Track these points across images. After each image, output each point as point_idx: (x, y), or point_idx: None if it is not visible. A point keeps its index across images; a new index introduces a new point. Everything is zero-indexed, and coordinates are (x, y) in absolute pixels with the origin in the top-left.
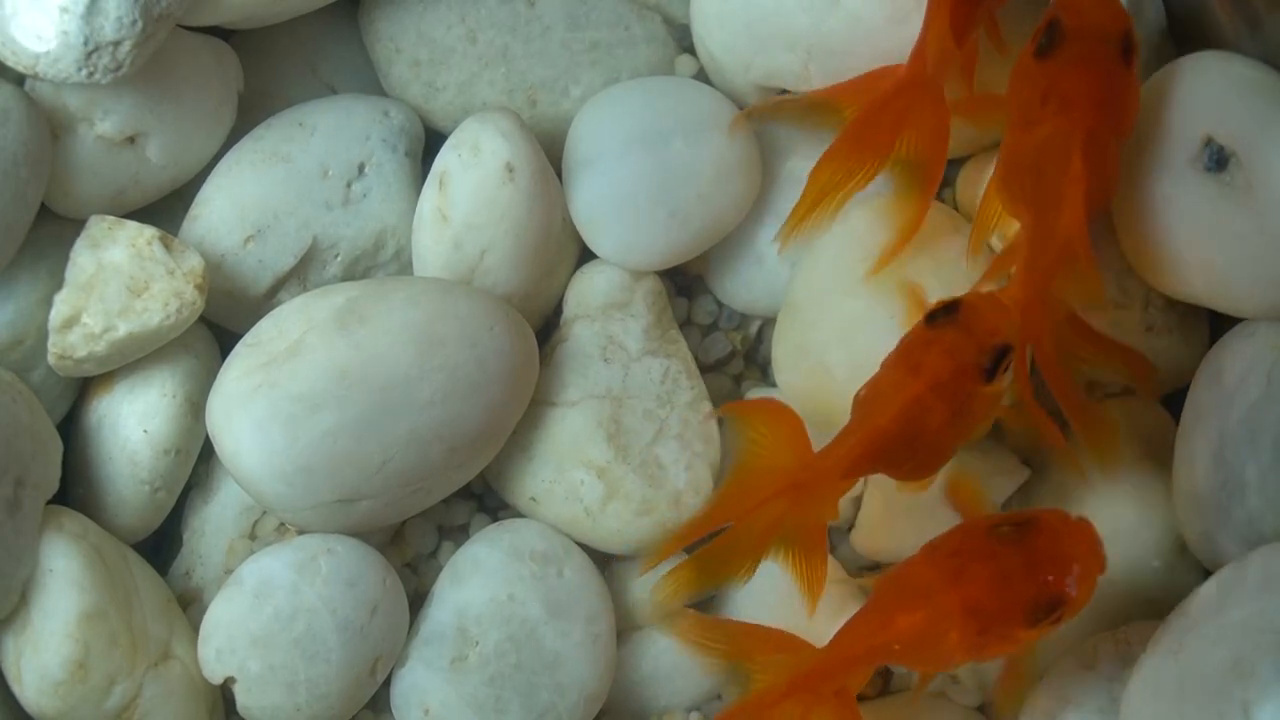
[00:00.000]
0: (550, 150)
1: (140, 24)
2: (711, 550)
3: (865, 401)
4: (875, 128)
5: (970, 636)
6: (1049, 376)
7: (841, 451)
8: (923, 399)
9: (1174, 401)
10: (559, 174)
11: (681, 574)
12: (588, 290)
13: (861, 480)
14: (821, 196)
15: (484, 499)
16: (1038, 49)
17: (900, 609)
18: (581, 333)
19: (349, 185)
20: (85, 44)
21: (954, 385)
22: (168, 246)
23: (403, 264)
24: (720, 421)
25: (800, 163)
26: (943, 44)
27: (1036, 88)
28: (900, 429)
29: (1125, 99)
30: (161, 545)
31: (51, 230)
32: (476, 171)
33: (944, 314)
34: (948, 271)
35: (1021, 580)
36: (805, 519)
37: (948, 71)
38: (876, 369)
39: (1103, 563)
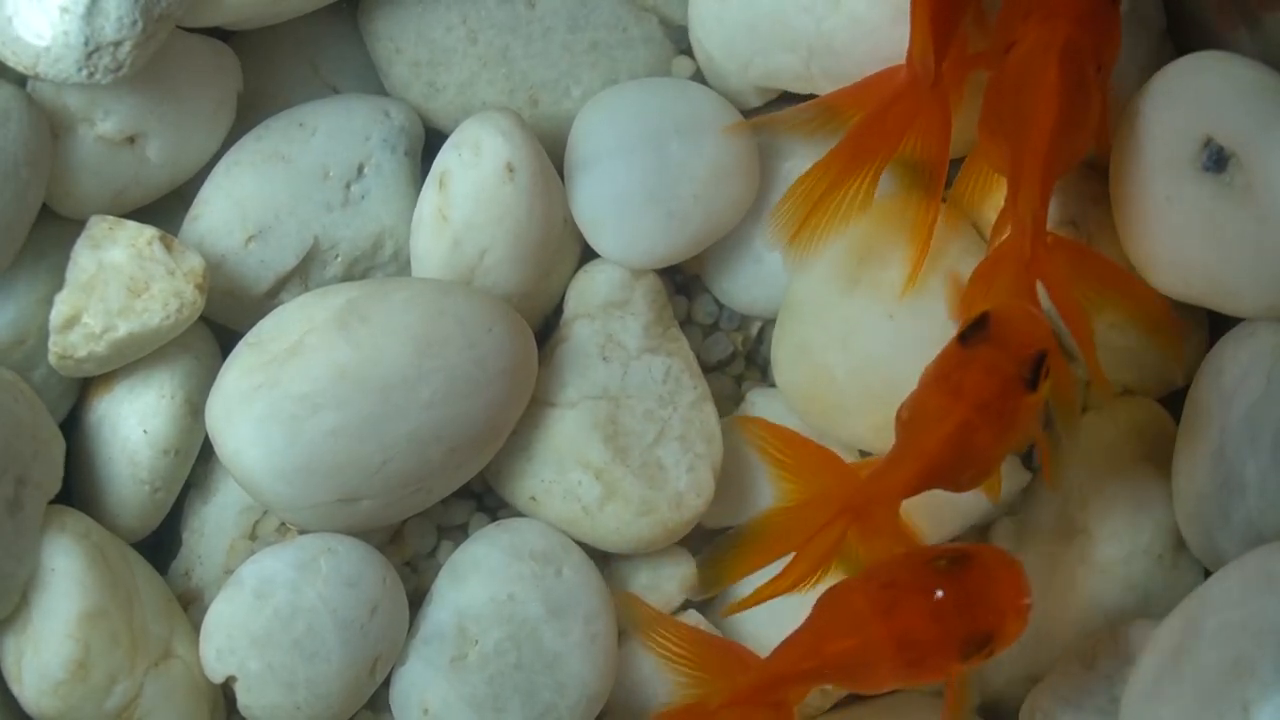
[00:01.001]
0: (552, 150)
1: (140, 24)
2: (776, 584)
3: (911, 424)
4: (878, 133)
5: (901, 667)
6: (1062, 310)
7: (896, 476)
8: (970, 422)
9: (1174, 401)
10: (560, 174)
11: (745, 601)
12: (588, 289)
13: None
14: (811, 200)
15: (483, 498)
16: None
17: (832, 636)
18: (581, 332)
19: (349, 186)
20: (86, 44)
21: (998, 403)
22: (168, 247)
23: (402, 264)
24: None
25: (799, 163)
26: (926, 47)
27: (1019, 7)
28: (950, 453)
29: (1107, 25)
30: (161, 545)
31: (52, 230)
32: (477, 171)
33: (976, 330)
34: (949, 264)
35: (954, 615)
36: (863, 542)
37: (940, 70)
38: (915, 385)
39: (1031, 605)
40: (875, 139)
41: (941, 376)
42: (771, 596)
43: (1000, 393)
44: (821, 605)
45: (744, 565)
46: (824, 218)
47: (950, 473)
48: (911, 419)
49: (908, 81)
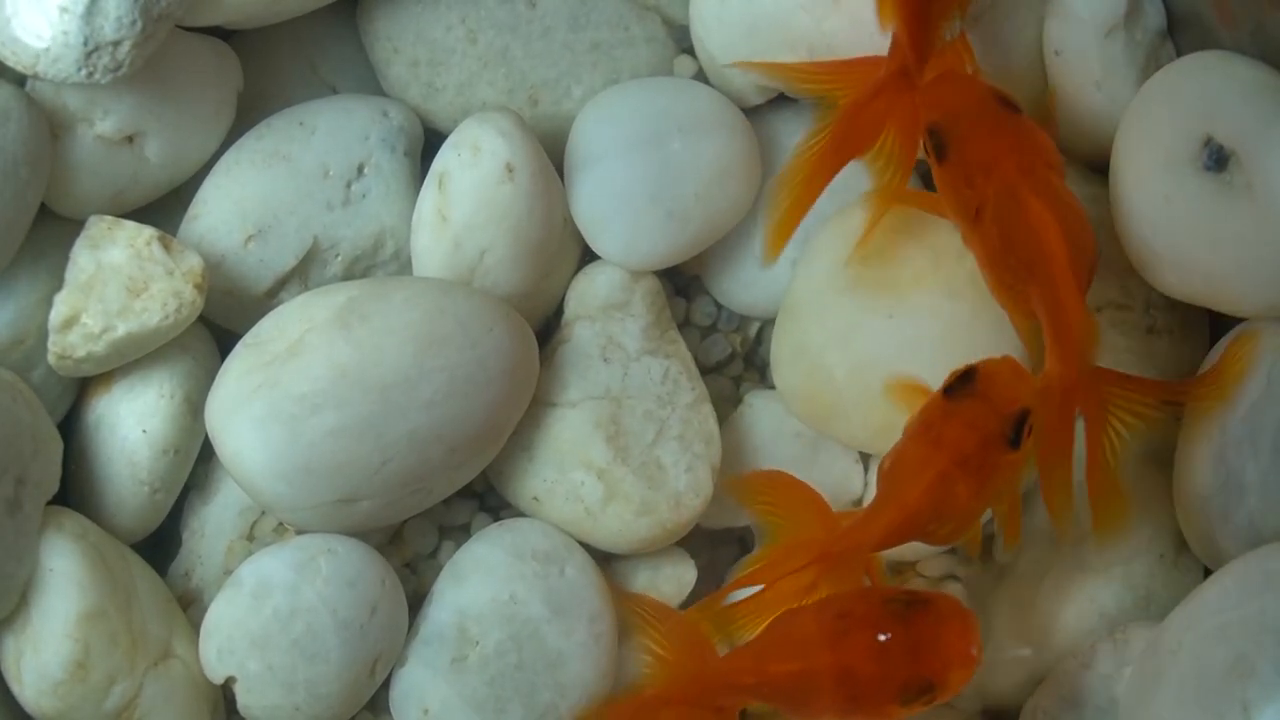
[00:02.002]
0: (552, 150)
1: (140, 24)
2: (739, 607)
3: (891, 475)
4: (856, 128)
5: (840, 701)
6: (1092, 448)
7: (874, 527)
8: (948, 475)
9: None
10: (561, 174)
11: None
12: (588, 290)
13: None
14: (792, 194)
15: (485, 498)
16: (935, 153)
17: (778, 657)
18: (582, 333)
19: (348, 185)
20: (85, 44)
21: (978, 458)
22: (166, 247)
23: (402, 264)
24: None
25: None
26: (904, 55)
27: (960, 174)
28: (929, 505)
29: (1031, 133)
30: (161, 545)
31: (51, 230)
32: (476, 171)
33: (961, 384)
34: (948, 262)
35: (900, 657)
36: (836, 586)
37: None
38: (900, 438)
39: (977, 659)
40: (854, 134)
41: (924, 428)
42: (730, 623)
43: (981, 448)
44: (773, 625)
45: (720, 598)
46: (801, 210)
47: (928, 525)
48: (892, 470)
49: (886, 78)
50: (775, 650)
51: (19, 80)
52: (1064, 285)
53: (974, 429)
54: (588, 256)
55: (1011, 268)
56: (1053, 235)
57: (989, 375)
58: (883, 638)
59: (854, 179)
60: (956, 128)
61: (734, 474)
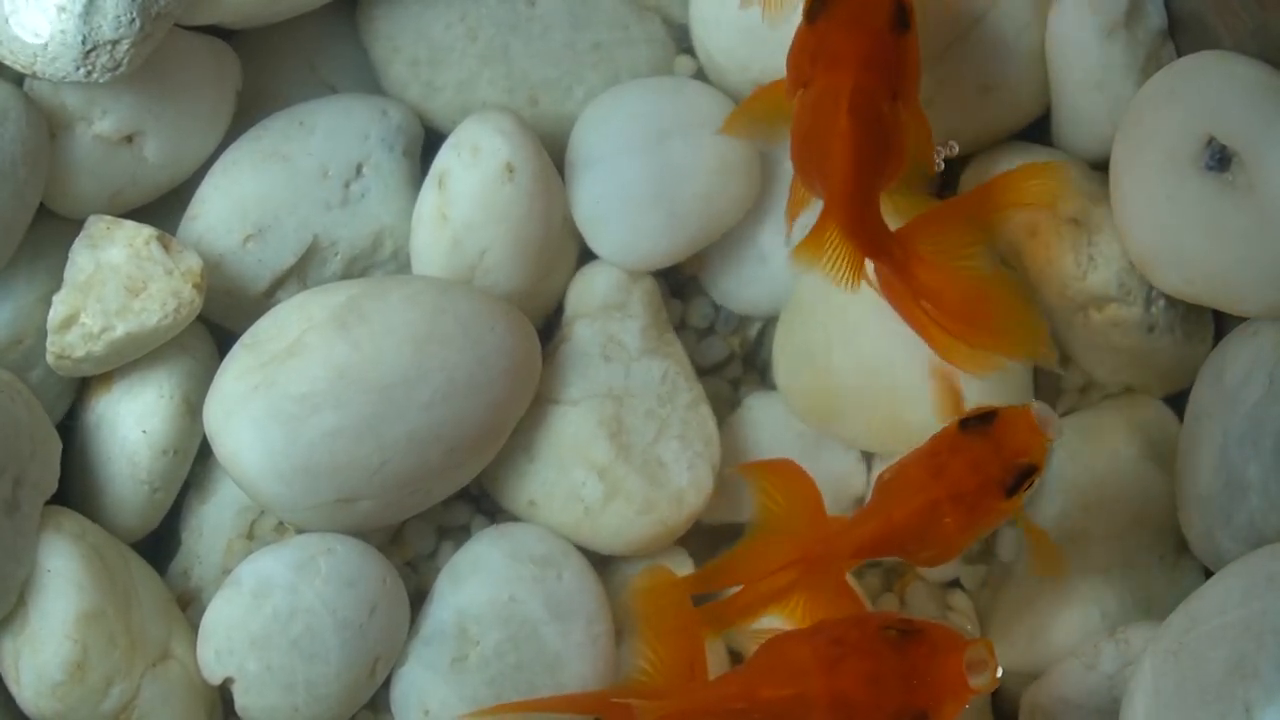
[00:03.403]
0: (552, 150)
1: (138, 23)
2: (715, 607)
3: (887, 489)
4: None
5: None
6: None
7: (856, 534)
8: (940, 505)
9: (1177, 401)
10: (561, 174)
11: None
12: (587, 290)
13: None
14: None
15: (480, 502)
16: (807, 14)
17: (770, 682)
18: (582, 332)
19: (347, 185)
20: (83, 43)
21: (973, 498)
22: (165, 246)
23: (400, 264)
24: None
25: None
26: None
27: (806, 50)
28: (914, 526)
29: (899, 61)
30: (159, 545)
31: (50, 230)
32: (476, 171)
33: (978, 423)
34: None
35: (893, 686)
36: (812, 588)
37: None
38: (907, 455)
39: (972, 691)
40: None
41: (930, 453)
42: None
43: (977, 489)
44: (766, 649)
45: (695, 590)
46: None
47: (909, 545)
48: (890, 484)
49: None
50: (767, 675)
51: (17, 79)
52: (842, 201)
53: (977, 470)
54: (587, 256)
55: (806, 154)
56: (845, 160)
57: (1007, 422)
58: (884, 662)
59: None
60: (840, 10)
61: (746, 460)
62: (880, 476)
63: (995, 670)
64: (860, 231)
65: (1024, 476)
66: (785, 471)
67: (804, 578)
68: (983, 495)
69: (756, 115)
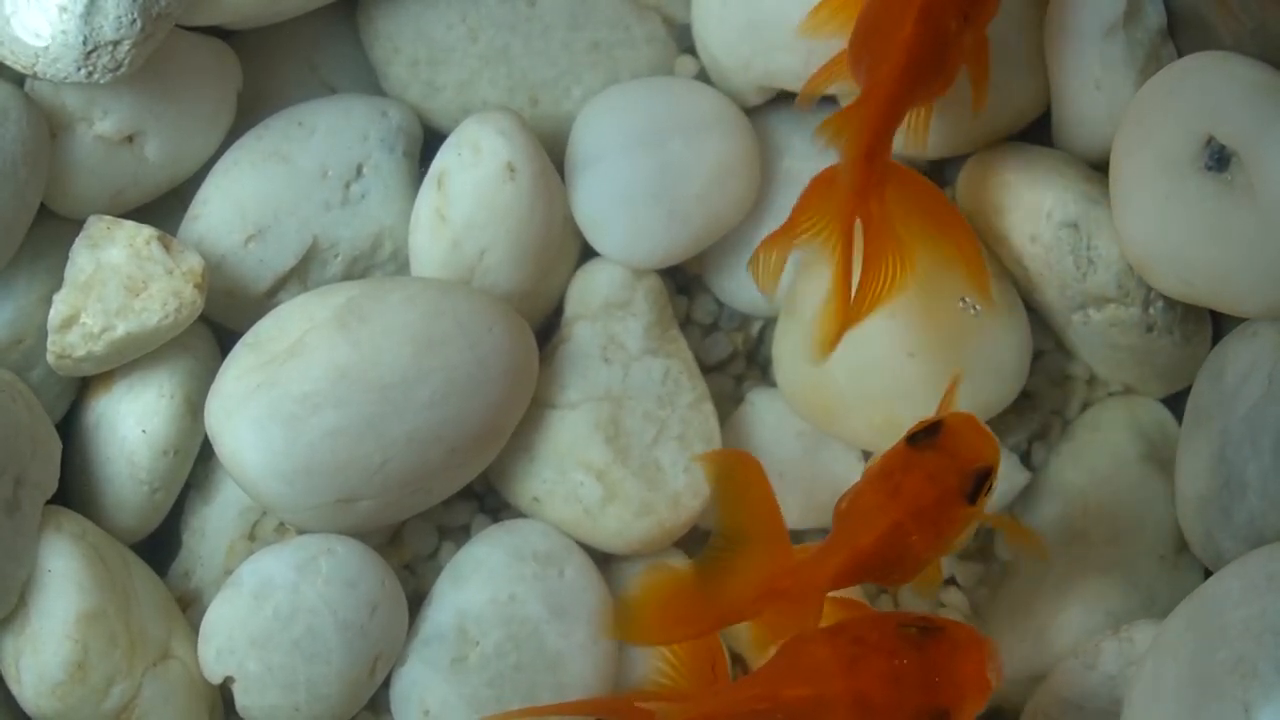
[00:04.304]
0: (552, 150)
1: (139, 23)
2: (675, 662)
3: (846, 518)
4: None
5: None
6: (871, 239)
7: (826, 567)
8: (903, 525)
9: (1176, 401)
10: (561, 174)
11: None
12: (589, 289)
13: None
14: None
15: (485, 499)
16: None
17: (791, 683)
18: (582, 333)
19: (348, 185)
20: (84, 43)
21: (934, 511)
22: (166, 246)
23: (401, 264)
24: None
25: (799, 163)
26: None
27: None
28: (881, 552)
29: None
30: (160, 546)
31: (50, 230)
32: (476, 171)
33: (925, 436)
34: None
35: (914, 684)
36: (778, 623)
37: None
38: (860, 478)
39: (992, 687)
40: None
41: (884, 475)
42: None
43: (937, 501)
44: (786, 649)
45: (666, 632)
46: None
47: (879, 570)
48: (848, 512)
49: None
50: (789, 676)
51: (18, 80)
52: (877, 103)
53: (933, 482)
54: (588, 256)
55: (863, 52)
56: (897, 65)
57: (953, 430)
58: (904, 661)
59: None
60: None
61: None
62: (838, 506)
63: (1000, 668)
64: (879, 135)
65: (982, 480)
66: (746, 481)
67: (774, 616)
68: (945, 506)
69: (836, 8)
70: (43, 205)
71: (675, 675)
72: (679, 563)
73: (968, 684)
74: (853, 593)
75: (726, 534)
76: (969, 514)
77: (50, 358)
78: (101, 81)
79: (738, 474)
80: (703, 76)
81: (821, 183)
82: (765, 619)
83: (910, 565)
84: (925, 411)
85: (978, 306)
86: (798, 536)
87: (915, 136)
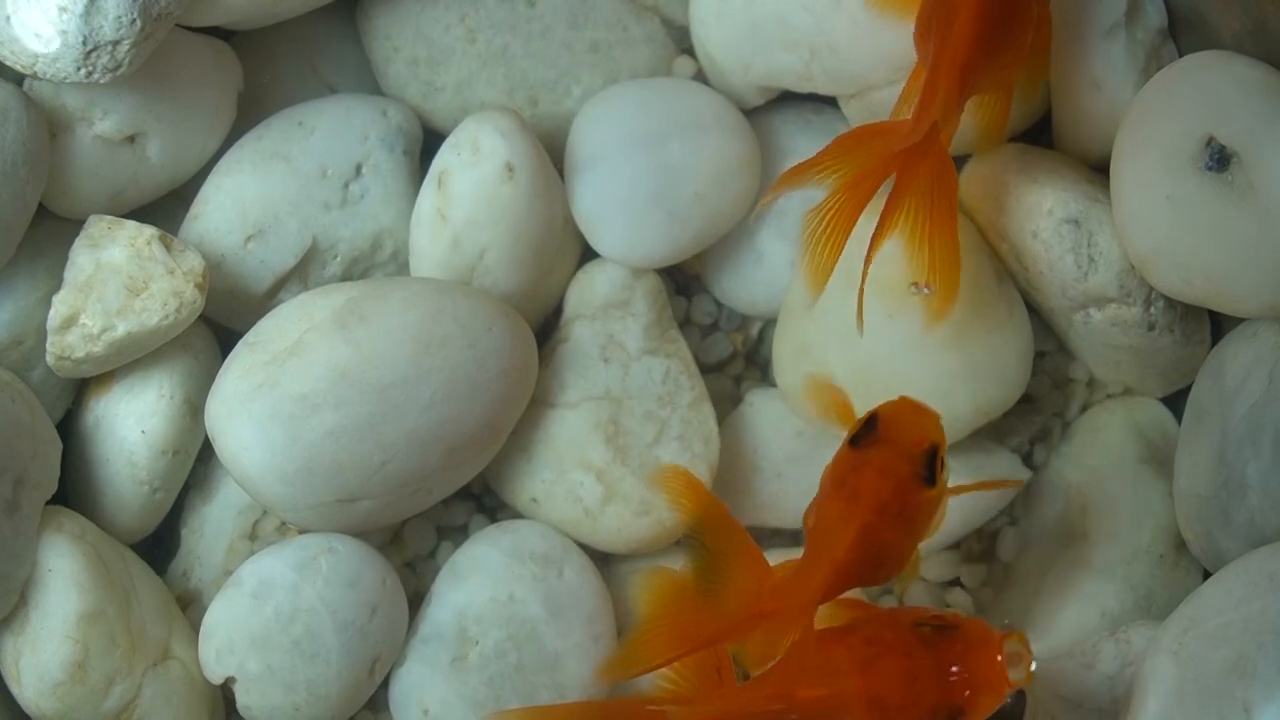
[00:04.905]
0: (552, 150)
1: (139, 23)
2: (681, 668)
3: (817, 532)
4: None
5: None
6: (900, 197)
7: (810, 586)
8: (871, 525)
9: (1177, 401)
10: (561, 174)
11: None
12: (588, 288)
13: None
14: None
15: (483, 500)
16: None
17: (805, 682)
18: (581, 333)
19: (347, 185)
20: (84, 43)
21: (897, 504)
22: (167, 246)
23: (401, 264)
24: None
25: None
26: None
27: None
28: (858, 558)
29: None
30: (160, 545)
31: (50, 230)
32: (476, 171)
33: (865, 432)
34: None
35: (929, 683)
36: (768, 643)
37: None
38: (817, 490)
39: (1008, 684)
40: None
41: (838, 482)
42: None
43: (897, 492)
44: (799, 650)
45: (655, 656)
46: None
47: (863, 574)
48: (817, 526)
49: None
50: (803, 676)
51: (18, 80)
52: (947, 73)
53: (887, 475)
54: (587, 256)
55: (931, 23)
56: (967, 26)
57: (890, 419)
58: (919, 659)
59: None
60: None
61: (746, 460)
62: (805, 521)
63: (1030, 664)
64: (949, 101)
65: (933, 459)
66: (710, 512)
67: (764, 636)
68: (905, 496)
69: None
70: (42, 205)
71: (679, 679)
72: (675, 565)
73: (983, 681)
74: (853, 593)
75: (699, 561)
76: (932, 496)
77: (50, 359)
78: (101, 81)
79: (689, 499)
80: (700, 77)
81: (865, 133)
82: (754, 640)
83: (892, 561)
84: None
85: (929, 287)
86: (796, 537)
87: (992, 128)
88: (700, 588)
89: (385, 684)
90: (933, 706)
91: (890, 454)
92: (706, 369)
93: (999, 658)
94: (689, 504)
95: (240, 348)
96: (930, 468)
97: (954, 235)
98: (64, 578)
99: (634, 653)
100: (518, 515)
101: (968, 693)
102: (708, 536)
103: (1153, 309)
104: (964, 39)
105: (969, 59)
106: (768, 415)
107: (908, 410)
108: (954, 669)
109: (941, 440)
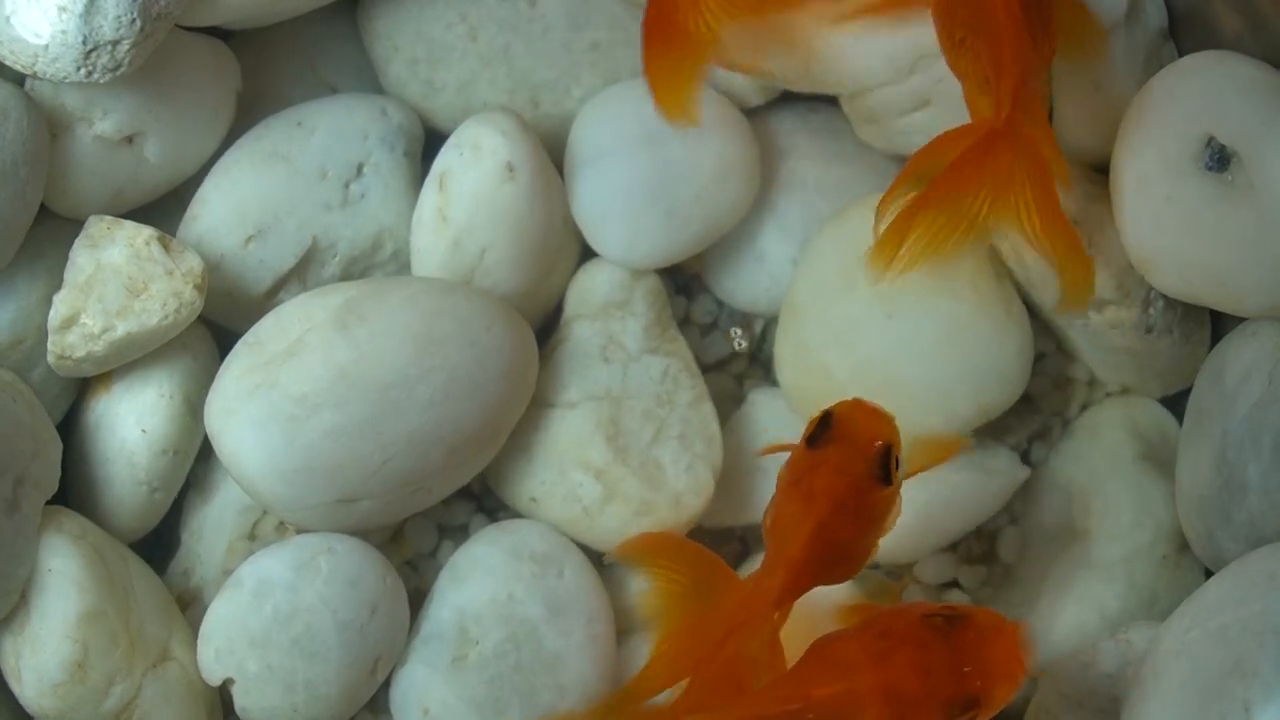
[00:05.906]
0: (552, 150)
1: (139, 23)
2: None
3: (774, 533)
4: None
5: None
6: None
7: (768, 590)
8: (826, 525)
9: (1176, 401)
10: (561, 174)
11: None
12: (588, 288)
13: None
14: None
15: (483, 500)
16: None
17: (819, 681)
18: (581, 332)
19: (347, 185)
20: (84, 43)
21: (853, 502)
22: (166, 246)
23: (401, 264)
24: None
25: (800, 164)
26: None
27: None
28: (815, 558)
29: None
30: (160, 545)
31: (50, 230)
32: (477, 171)
33: (820, 432)
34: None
35: (944, 674)
36: (749, 649)
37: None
38: (775, 491)
39: (1024, 671)
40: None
41: (794, 482)
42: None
43: (852, 491)
44: (814, 649)
45: (652, 688)
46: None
47: (821, 573)
48: (774, 528)
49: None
50: (818, 674)
51: (18, 80)
52: (1009, 34)
53: (842, 474)
54: (588, 256)
55: (961, 20)
56: (1016, 37)
57: (844, 419)
58: (933, 651)
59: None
60: None
61: (749, 458)
62: (764, 524)
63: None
64: (1019, 84)
65: (887, 458)
66: (670, 545)
67: (736, 645)
68: (860, 495)
69: None
70: (43, 205)
71: (699, 689)
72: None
73: (998, 671)
74: (854, 595)
75: (671, 603)
76: (887, 495)
77: (50, 358)
78: (101, 81)
79: (662, 552)
80: None
81: (955, 135)
82: (734, 651)
83: (851, 559)
84: (926, 411)
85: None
86: None
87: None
88: (681, 617)
89: (386, 684)
90: (948, 698)
91: (845, 453)
92: (707, 368)
93: (1013, 646)
94: (647, 554)
95: (240, 348)
96: (885, 466)
97: (1063, 220)
98: (64, 577)
99: (637, 690)
100: (517, 515)
101: (983, 683)
102: (673, 567)
103: (1151, 310)
104: (1014, 25)
105: (1029, 60)
106: (770, 414)
107: (862, 411)
108: (968, 659)
109: (896, 441)
